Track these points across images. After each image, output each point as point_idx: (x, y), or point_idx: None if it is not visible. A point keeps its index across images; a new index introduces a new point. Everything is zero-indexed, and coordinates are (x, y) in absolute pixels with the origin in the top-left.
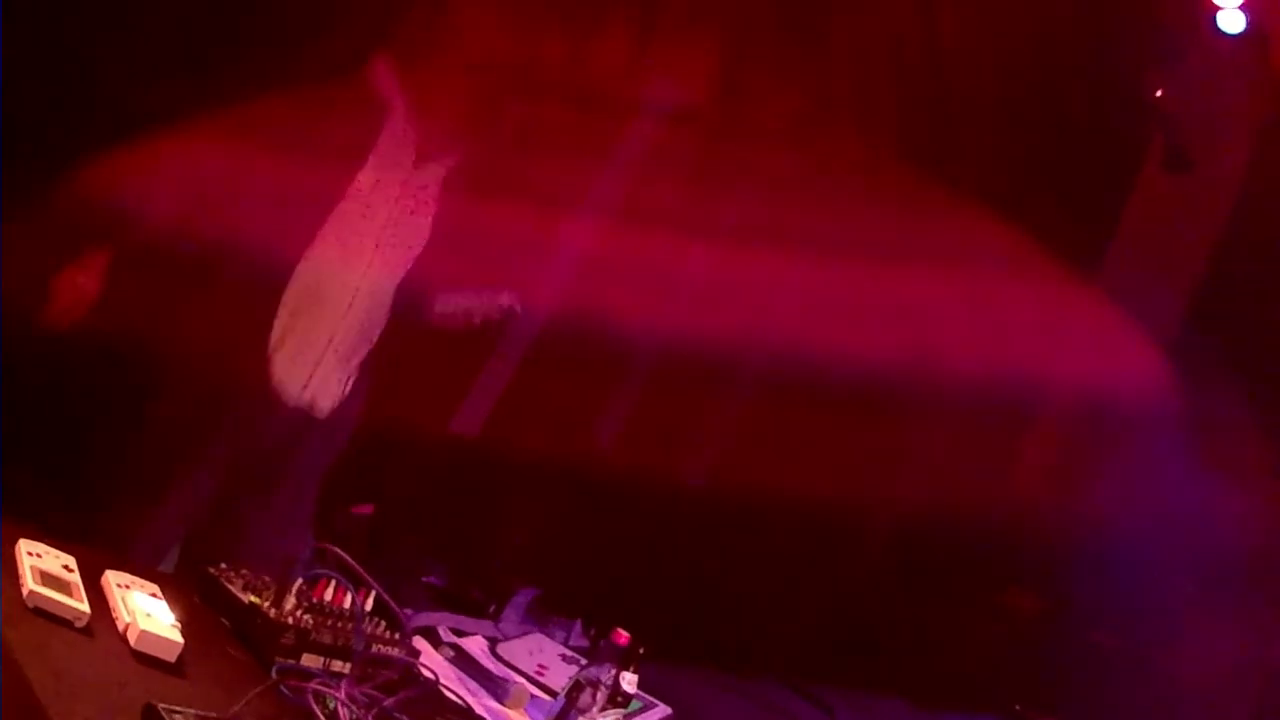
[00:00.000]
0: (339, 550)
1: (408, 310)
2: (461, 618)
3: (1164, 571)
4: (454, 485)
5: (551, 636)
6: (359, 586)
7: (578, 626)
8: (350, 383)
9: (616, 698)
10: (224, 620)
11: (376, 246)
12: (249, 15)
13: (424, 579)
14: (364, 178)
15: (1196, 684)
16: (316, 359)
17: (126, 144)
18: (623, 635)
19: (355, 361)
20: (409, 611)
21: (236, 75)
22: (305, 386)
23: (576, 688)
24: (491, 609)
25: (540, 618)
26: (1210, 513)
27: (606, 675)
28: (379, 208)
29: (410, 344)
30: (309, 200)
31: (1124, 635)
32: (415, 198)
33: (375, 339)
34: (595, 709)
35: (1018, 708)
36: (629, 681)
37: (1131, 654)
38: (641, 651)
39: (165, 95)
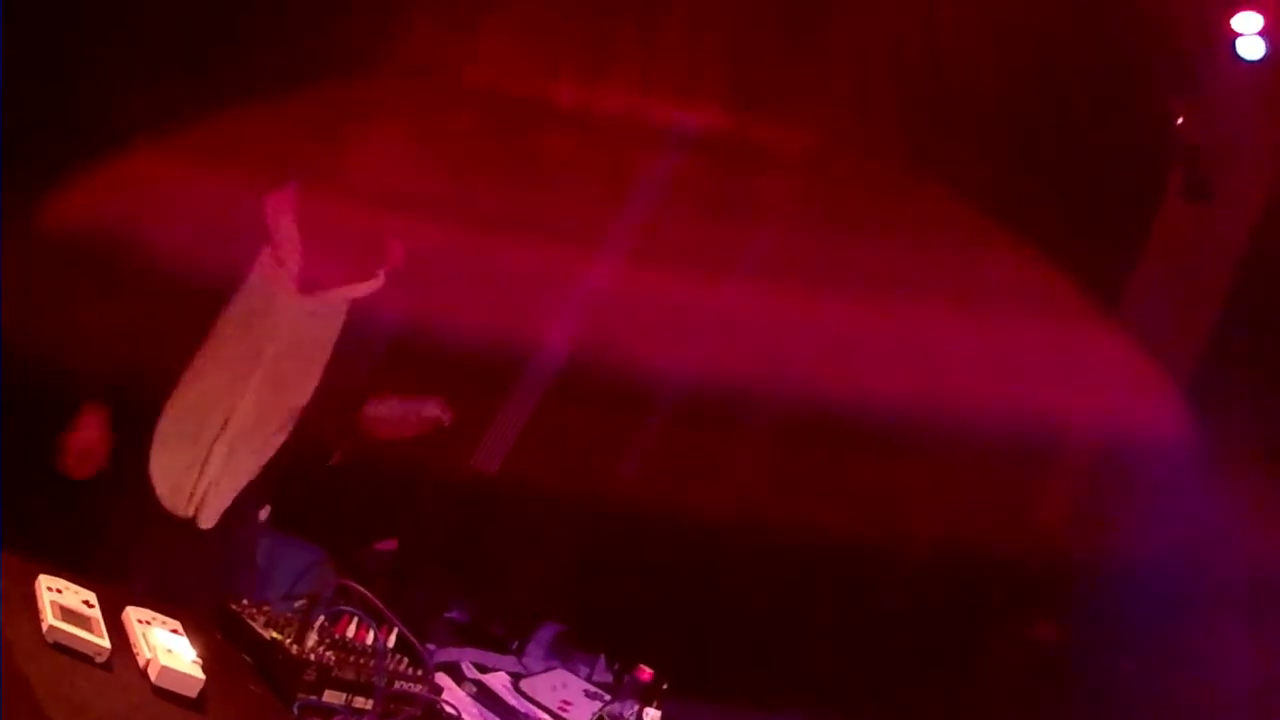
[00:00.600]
0: (360, 587)
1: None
2: (485, 653)
3: (1186, 599)
4: (477, 521)
5: (575, 672)
6: (381, 623)
7: (601, 662)
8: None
9: None
10: (245, 656)
11: (248, 377)
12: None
13: (447, 615)
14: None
15: (1220, 710)
16: (185, 479)
17: (108, 161)
18: (646, 671)
19: (244, 480)
20: (431, 647)
21: (225, 89)
22: (183, 505)
23: None
24: (515, 645)
25: (564, 653)
26: (1230, 541)
27: (630, 711)
28: (255, 332)
29: (428, 380)
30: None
31: (1146, 663)
32: (304, 324)
33: (268, 454)
34: None
35: None
36: (652, 718)
37: (1154, 681)
38: (665, 687)
39: (143, 110)
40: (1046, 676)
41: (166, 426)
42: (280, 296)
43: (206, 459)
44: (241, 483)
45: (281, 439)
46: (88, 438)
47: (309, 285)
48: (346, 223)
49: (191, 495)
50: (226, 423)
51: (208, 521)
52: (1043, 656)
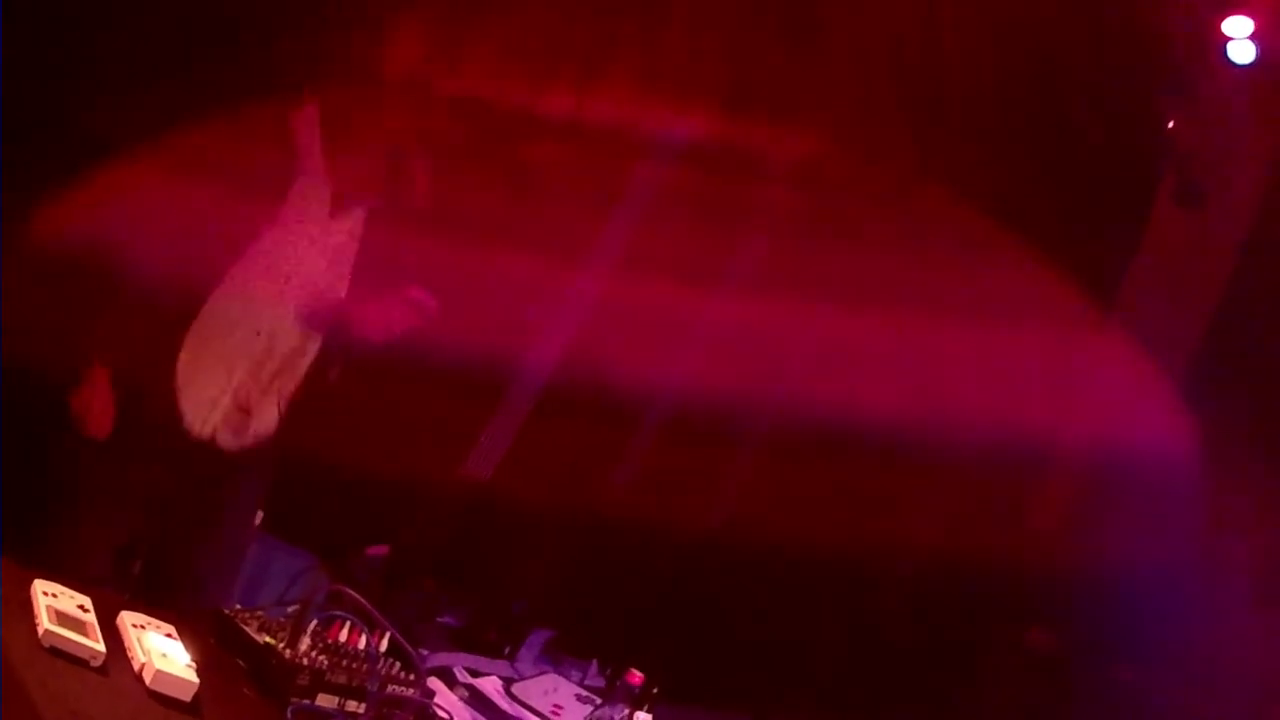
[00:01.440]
0: (353, 592)
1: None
2: (477, 658)
3: (1183, 606)
4: (470, 528)
5: (567, 677)
6: (374, 628)
7: (593, 667)
8: (262, 420)
9: None
10: (239, 661)
11: (283, 291)
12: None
13: (439, 620)
14: (270, 231)
15: (1217, 718)
16: (214, 399)
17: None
18: (636, 675)
19: (263, 399)
20: (424, 652)
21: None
22: (205, 423)
23: None
24: (507, 650)
25: (556, 658)
26: (1228, 545)
27: (620, 715)
28: (286, 255)
29: (420, 389)
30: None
31: (1143, 670)
32: (332, 245)
33: (296, 377)
34: None
35: None
36: None
37: (1151, 690)
38: (655, 691)
39: (126, 120)
40: (1043, 684)
41: (194, 346)
42: (311, 225)
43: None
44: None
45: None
46: (98, 395)
47: (339, 203)
48: (368, 129)
49: (211, 410)
50: (270, 345)
51: (228, 441)
52: (1039, 664)
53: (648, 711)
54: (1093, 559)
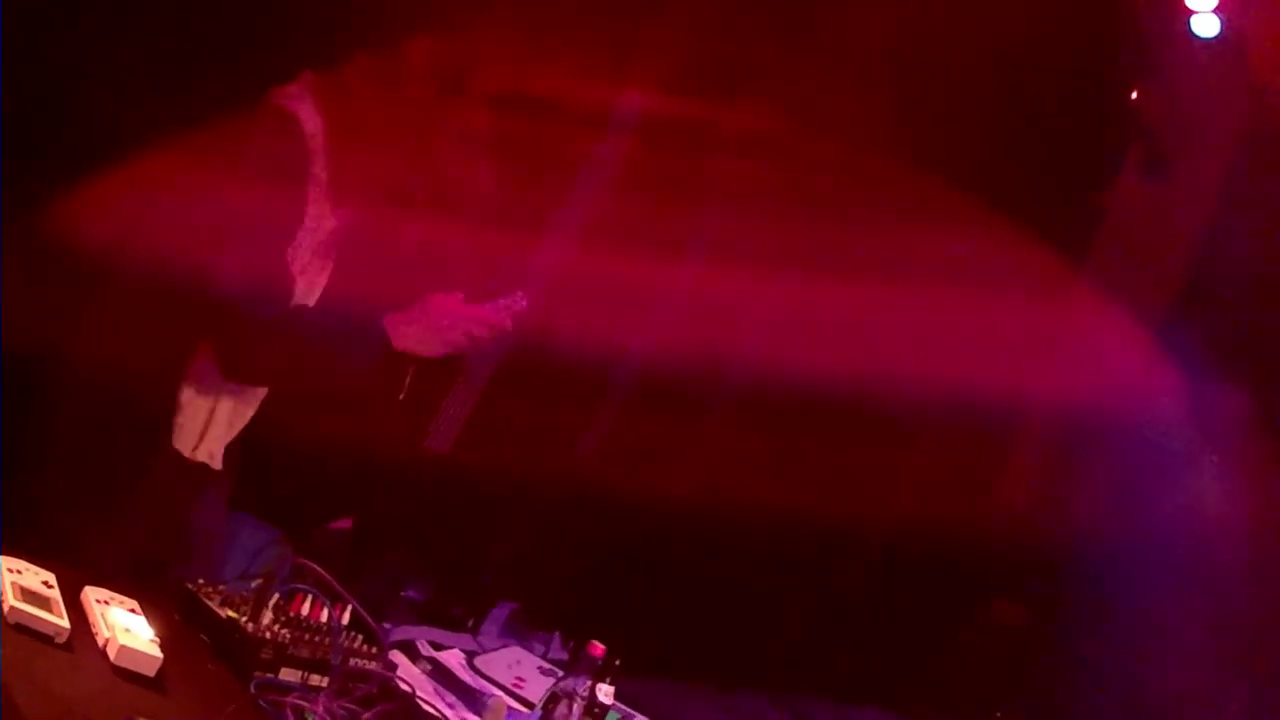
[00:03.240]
0: (315, 565)
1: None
2: (441, 632)
3: (1149, 581)
4: (432, 501)
5: (531, 650)
6: (335, 601)
7: (557, 640)
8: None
9: (593, 709)
10: (203, 635)
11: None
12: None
13: (404, 594)
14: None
15: (1183, 693)
16: (202, 427)
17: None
18: (598, 647)
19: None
20: (388, 626)
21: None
22: (195, 449)
23: (553, 700)
24: (471, 623)
25: (519, 631)
26: (1196, 519)
27: (582, 687)
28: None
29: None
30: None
31: (1110, 645)
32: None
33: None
34: None
35: (998, 715)
36: (605, 693)
37: (1117, 664)
38: (617, 663)
39: (141, 116)
40: (1011, 660)
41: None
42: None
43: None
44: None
45: None
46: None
47: (340, 197)
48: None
49: (202, 436)
50: None
51: (216, 463)
52: (1006, 637)
53: (610, 683)
54: (1061, 530)
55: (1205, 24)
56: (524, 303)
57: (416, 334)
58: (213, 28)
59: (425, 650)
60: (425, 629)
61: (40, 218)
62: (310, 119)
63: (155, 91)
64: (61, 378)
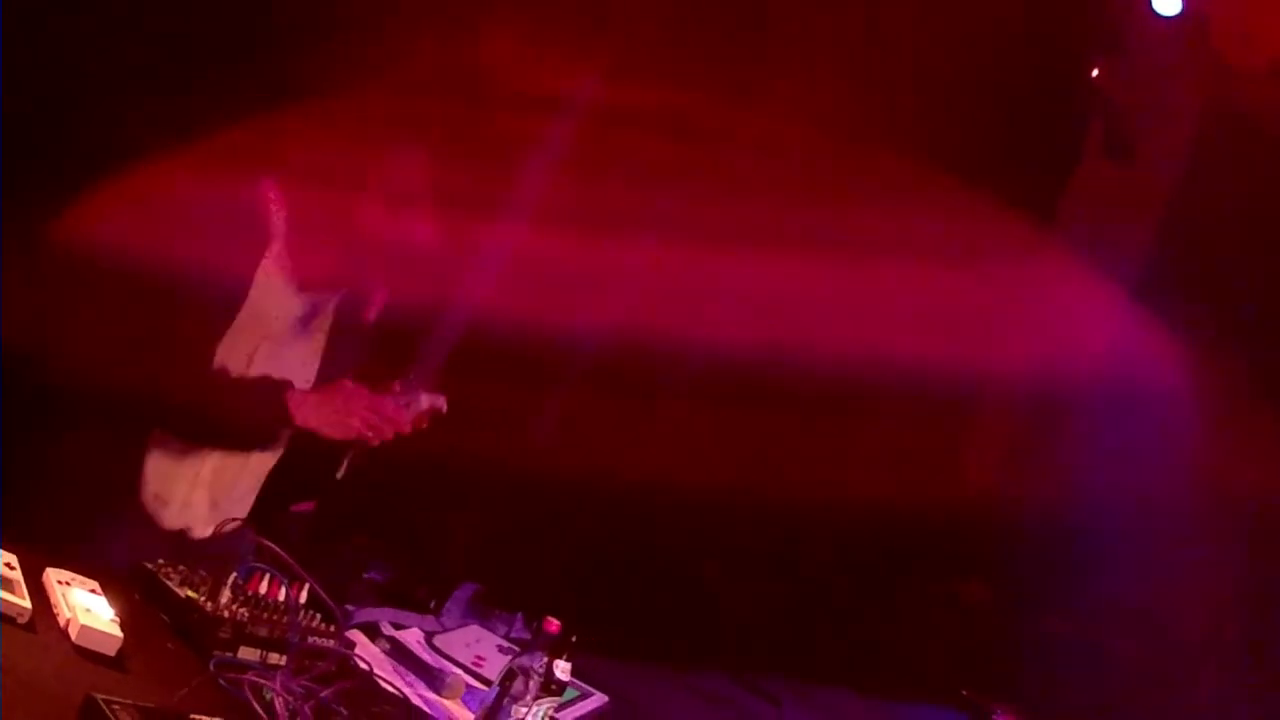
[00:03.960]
0: (272, 544)
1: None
2: (403, 613)
3: (1116, 555)
4: (393, 483)
5: (492, 629)
6: (293, 579)
7: (520, 620)
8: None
9: (550, 686)
10: (163, 615)
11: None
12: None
13: (366, 576)
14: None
15: (1150, 668)
16: (185, 497)
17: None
18: (553, 623)
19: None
20: (351, 608)
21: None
22: (178, 516)
23: (509, 676)
24: (433, 604)
25: (482, 612)
26: (1164, 491)
27: (539, 663)
28: (256, 333)
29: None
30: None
31: (1075, 621)
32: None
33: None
34: (529, 697)
35: (965, 693)
36: (562, 670)
37: (1083, 640)
38: (574, 639)
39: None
40: (977, 638)
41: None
42: (278, 295)
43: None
44: (242, 494)
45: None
46: None
47: (304, 284)
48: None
49: (184, 506)
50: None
51: (202, 532)
52: (971, 614)
53: (567, 659)
54: (1027, 505)
55: (1167, 2)
56: (441, 405)
57: (320, 415)
58: (200, 38)
59: (388, 631)
60: (388, 610)
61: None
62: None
63: (143, 100)
64: (29, 371)
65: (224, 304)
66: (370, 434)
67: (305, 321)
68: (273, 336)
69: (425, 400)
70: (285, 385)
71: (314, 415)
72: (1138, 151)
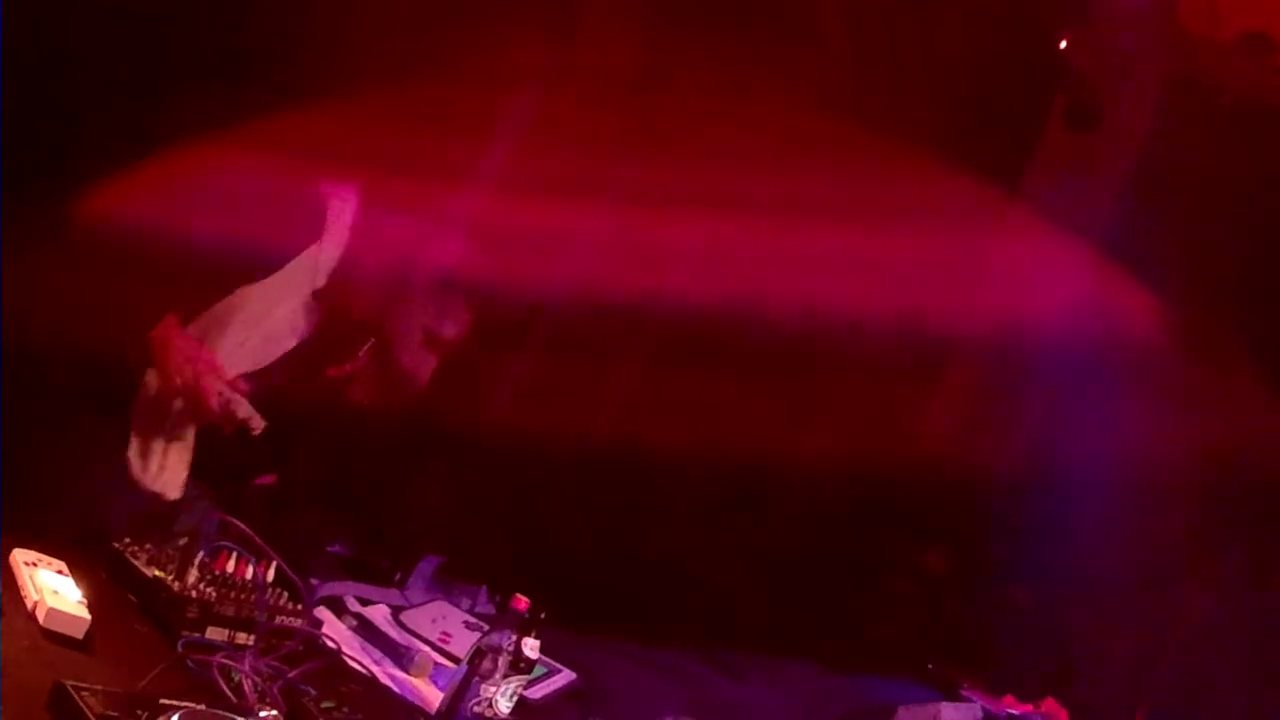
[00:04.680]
0: (238, 522)
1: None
2: (368, 587)
3: (1079, 522)
4: (355, 453)
5: (457, 604)
6: (260, 558)
7: (483, 593)
8: None
9: (519, 664)
10: (131, 596)
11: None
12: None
13: (330, 549)
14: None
15: (1114, 641)
16: (159, 465)
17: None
18: (522, 601)
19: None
20: (315, 582)
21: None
22: (154, 480)
23: (478, 655)
24: (397, 577)
25: (446, 585)
26: (1125, 456)
27: (507, 641)
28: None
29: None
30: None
31: (1039, 592)
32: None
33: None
34: (498, 675)
35: (930, 666)
36: (531, 647)
37: (1047, 611)
38: (543, 616)
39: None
40: (938, 605)
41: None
42: (303, 287)
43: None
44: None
45: None
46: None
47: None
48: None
49: (159, 468)
50: None
51: (173, 493)
52: (934, 585)
53: (535, 637)
54: (989, 472)
55: None
56: (255, 428)
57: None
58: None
59: (353, 606)
60: (352, 584)
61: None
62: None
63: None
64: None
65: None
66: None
67: (294, 322)
68: (265, 330)
69: (242, 411)
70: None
71: (165, 347)
72: (1103, 123)
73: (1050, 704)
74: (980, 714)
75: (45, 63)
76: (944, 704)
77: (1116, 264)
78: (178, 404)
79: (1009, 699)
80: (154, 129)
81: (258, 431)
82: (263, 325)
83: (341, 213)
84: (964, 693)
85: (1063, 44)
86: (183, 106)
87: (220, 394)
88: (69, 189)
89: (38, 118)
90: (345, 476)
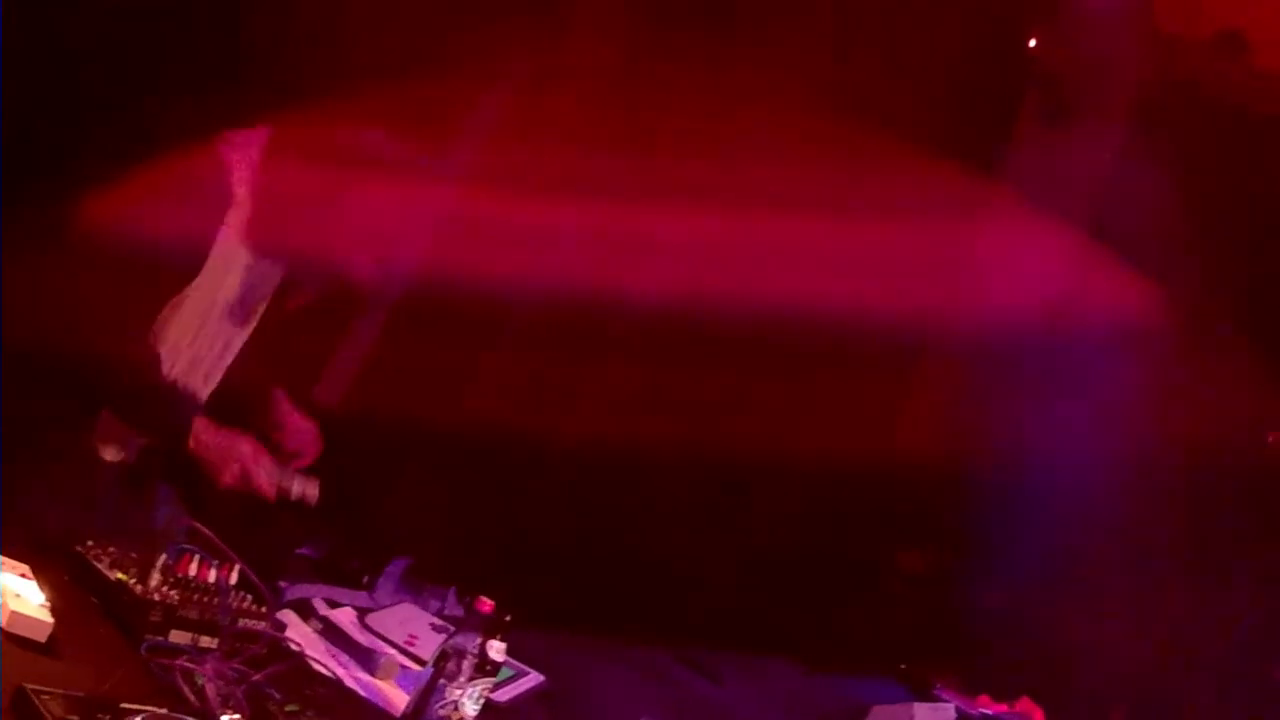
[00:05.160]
0: (202, 526)
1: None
2: (337, 589)
3: (1058, 522)
4: (328, 456)
5: (426, 605)
6: (223, 561)
7: (453, 595)
8: None
9: (485, 666)
10: (94, 599)
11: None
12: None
13: (299, 551)
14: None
15: (1088, 644)
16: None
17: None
18: (486, 603)
19: None
20: (284, 584)
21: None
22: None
23: (443, 657)
24: (366, 579)
25: (415, 587)
26: (1107, 452)
27: (473, 644)
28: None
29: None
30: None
31: (1016, 591)
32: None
33: None
34: (463, 677)
35: (903, 667)
36: (497, 650)
37: (1024, 610)
38: (509, 619)
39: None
40: (917, 611)
41: None
42: (232, 265)
43: None
44: None
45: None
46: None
47: (261, 251)
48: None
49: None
50: None
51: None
52: (911, 587)
53: (501, 640)
54: (968, 472)
55: None
56: (312, 498)
57: (208, 453)
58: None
59: (321, 609)
60: (321, 586)
61: None
62: (240, 171)
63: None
64: None
65: (179, 271)
66: (241, 486)
67: (245, 301)
68: (218, 310)
69: (297, 488)
70: (199, 408)
71: (204, 449)
72: (1074, 121)
73: (1025, 703)
74: (954, 714)
75: (45, 63)
76: (917, 704)
77: (1096, 257)
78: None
79: (984, 698)
80: (154, 129)
81: (314, 502)
82: (210, 313)
83: (246, 154)
84: (938, 692)
85: (1032, 42)
86: (183, 107)
87: (273, 480)
88: (69, 190)
89: (38, 118)
90: (316, 475)
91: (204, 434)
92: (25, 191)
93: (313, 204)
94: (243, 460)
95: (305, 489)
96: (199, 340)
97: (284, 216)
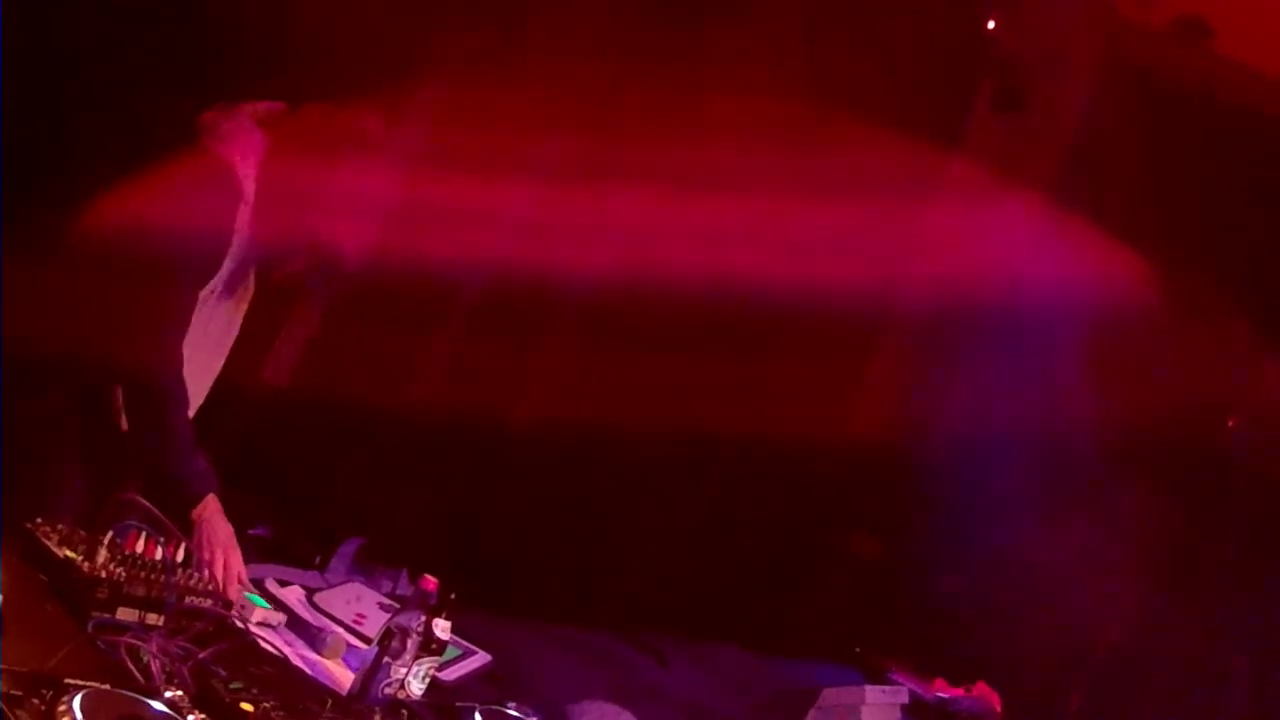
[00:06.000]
0: (144, 501)
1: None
2: (288, 569)
3: (1010, 502)
4: (273, 435)
5: (378, 586)
6: (169, 538)
7: (404, 576)
8: None
9: (430, 645)
10: (42, 576)
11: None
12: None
13: (251, 532)
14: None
15: (1045, 627)
16: None
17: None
18: (430, 581)
19: None
20: None
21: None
22: None
23: (387, 636)
24: (318, 560)
25: (366, 567)
26: (1061, 432)
27: (416, 622)
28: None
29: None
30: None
31: (970, 579)
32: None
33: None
34: (408, 656)
35: (858, 650)
36: (442, 628)
37: (980, 594)
38: (453, 597)
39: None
40: (869, 594)
41: None
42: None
43: None
44: None
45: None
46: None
47: (267, 245)
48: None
49: None
50: None
51: None
52: (864, 570)
53: (446, 618)
54: (919, 453)
55: None
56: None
57: (201, 532)
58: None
59: (272, 588)
60: (272, 567)
61: None
62: (243, 161)
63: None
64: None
65: (204, 267)
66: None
67: (232, 286)
68: (216, 292)
69: (257, 616)
70: (214, 482)
71: (201, 525)
72: (1030, 105)
73: (982, 687)
74: (906, 697)
75: (45, 63)
76: (868, 687)
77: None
78: None
79: (940, 682)
80: (154, 129)
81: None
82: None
83: (243, 143)
84: (893, 676)
85: (990, 24)
86: (183, 107)
87: (237, 589)
88: (68, 191)
89: (37, 118)
90: (263, 459)
91: (205, 510)
92: (25, 193)
93: (304, 183)
94: (223, 554)
95: (267, 617)
96: (210, 326)
97: (280, 197)
